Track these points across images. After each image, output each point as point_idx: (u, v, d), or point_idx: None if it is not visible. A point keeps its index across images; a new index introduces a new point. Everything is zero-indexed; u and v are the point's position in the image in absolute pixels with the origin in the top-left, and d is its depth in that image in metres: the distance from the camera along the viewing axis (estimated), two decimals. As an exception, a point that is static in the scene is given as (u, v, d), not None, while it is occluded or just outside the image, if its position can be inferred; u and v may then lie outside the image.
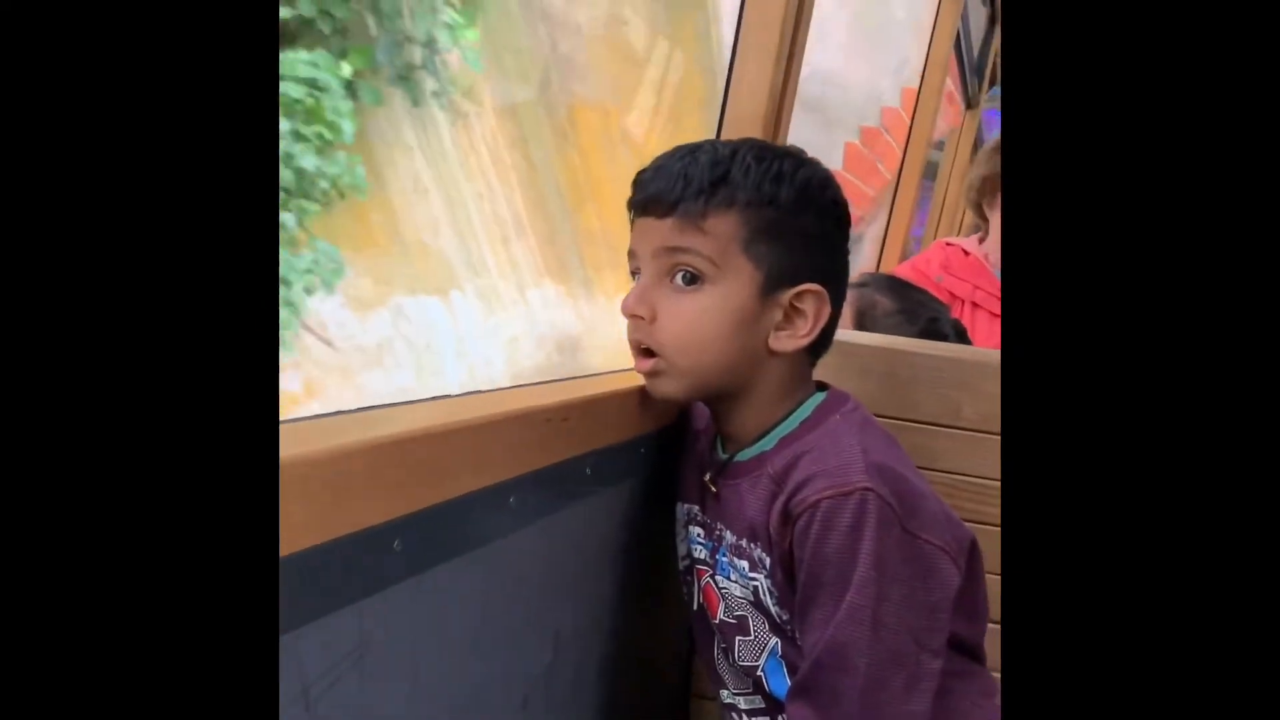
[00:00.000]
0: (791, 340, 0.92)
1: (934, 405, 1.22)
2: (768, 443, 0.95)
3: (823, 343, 0.96)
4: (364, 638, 0.59)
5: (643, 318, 0.91)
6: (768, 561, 0.92)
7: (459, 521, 0.69)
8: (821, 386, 1.00)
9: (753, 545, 0.93)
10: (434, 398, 0.75)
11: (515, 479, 0.76)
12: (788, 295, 0.90)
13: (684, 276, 0.90)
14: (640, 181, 0.93)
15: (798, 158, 0.92)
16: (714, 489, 0.99)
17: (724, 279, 0.89)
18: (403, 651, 0.65)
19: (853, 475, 0.84)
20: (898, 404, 1.23)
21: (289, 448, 0.53)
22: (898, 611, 0.83)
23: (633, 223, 0.95)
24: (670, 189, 0.88)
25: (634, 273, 0.95)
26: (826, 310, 0.92)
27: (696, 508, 1.04)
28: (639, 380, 1.02)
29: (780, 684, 0.96)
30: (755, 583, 0.94)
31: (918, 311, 1.57)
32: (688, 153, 0.90)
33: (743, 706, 1.02)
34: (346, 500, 0.57)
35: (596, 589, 1.01)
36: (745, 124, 1.24)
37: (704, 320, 0.89)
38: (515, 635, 0.83)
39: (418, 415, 0.67)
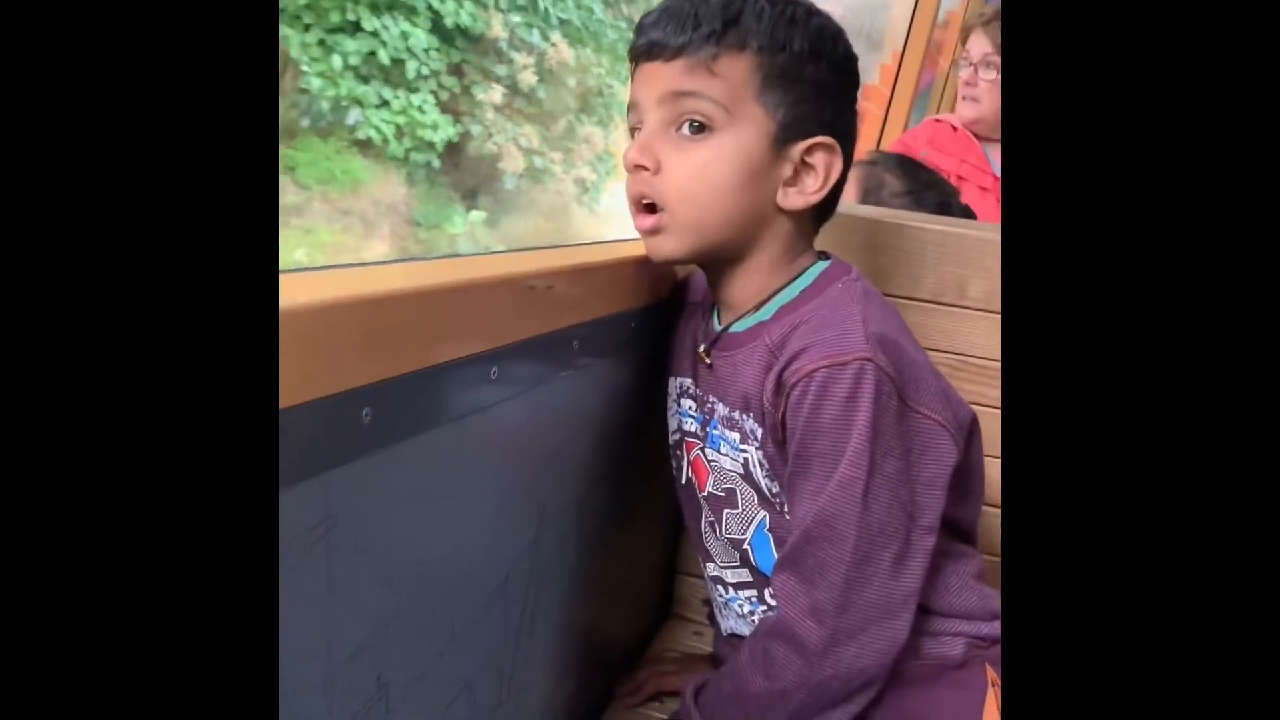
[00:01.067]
0: (801, 197, 0.87)
1: (938, 282, 1.18)
2: (765, 312, 0.91)
3: (829, 205, 0.91)
4: (329, 513, 0.56)
5: (646, 168, 0.86)
6: (759, 433, 0.89)
7: (435, 391, 0.65)
8: (823, 256, 0.95)
9: (745, 416, 0.91)
10: (404, 259, 0.70)
11: (497, 349, 0.72)
12: (799, 148, 0.86)
13: (691, 125, 0.84)
14: (644, 25, 0.86)
15: (808, 6, 0.86)
16: (708, 360, 0.96)
17: (734, 127, 0.84)
18: (372, 529, 0.61)
19: (851, 344, 0.81)
20: (901, 280, 1.18)
21: None
22: (891, 485, 0.81)
23: (634, 72, 0.89)
24: (679, 30, 0.82)
25: (634, 129, 0.89)
26: (838, 167, 0.87)
27: (689, 380, 1.01)
28: (630, 251, 0.97)
29: (767, 558, 0.94)
30: (745, 455, 0.92)
31: (925, 194, 1.52)
32: None
33: (729, 580, 1.01)
34: (309, 363, 0.52)
35: (583, 464, 0.97)
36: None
37: (712, 170, 0.84)
38: (496, 510, 0.80)
39: (391, 275, 0.62)
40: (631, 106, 0.89)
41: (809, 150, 0.86)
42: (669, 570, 1.35)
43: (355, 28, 6.59)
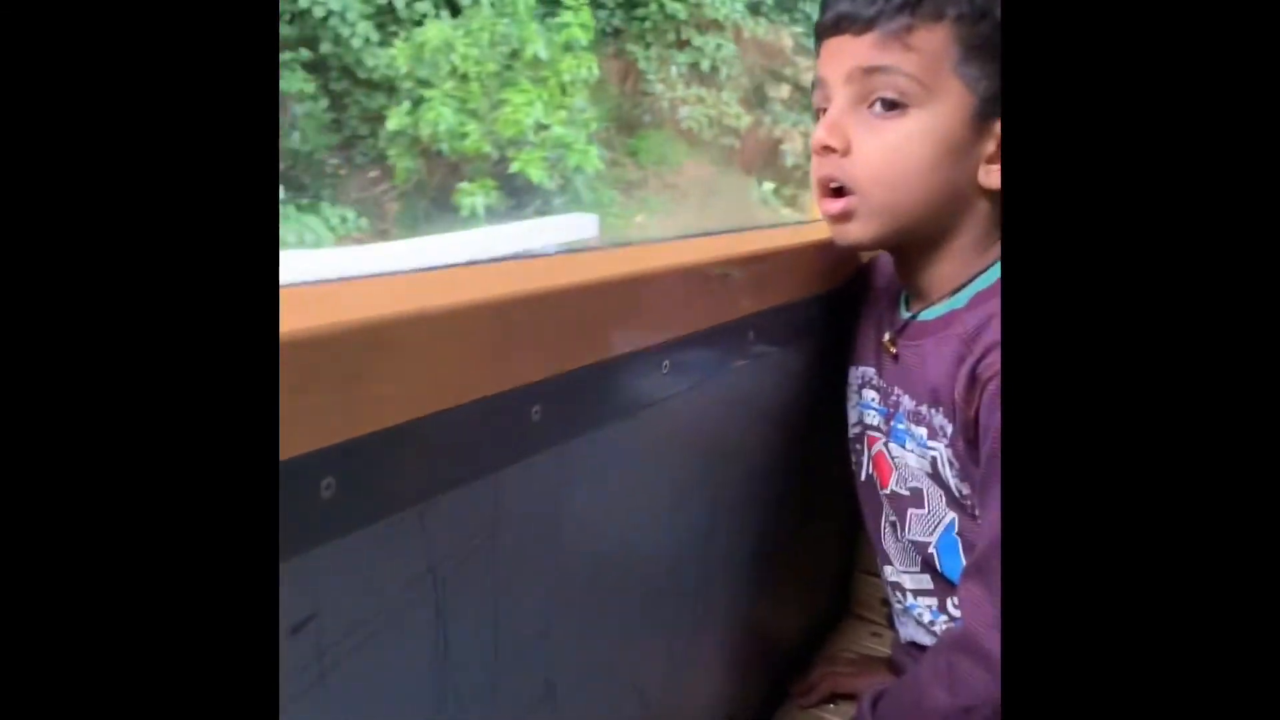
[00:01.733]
0: (999, 176, 0.80)
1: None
2: (960, 299, 0.84)
3: None
4: (498, 513, 0.54)
5: (835, 150, 0.80)
6: (949, 429, 0.83)
7: (605, 387, 0.63)
8: None
9: (934, 411, 0.85)
10: (575, 248, 0.68)
11: (670, 341, 0.69)
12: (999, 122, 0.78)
13: (883, 103, 0.78)
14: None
15: None
16: (893, 350, 0.90)
17: (931, 103, 0.77)
18: (541, 528, 0.60)
19: None
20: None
21: (412, 302, 0.47)
22: None
23: (819, 47, 0.83)
24: (869, 1, 0.77)
25: (819, 110, 0.84)
26: None
27: (872, 370, 0.95)
28: (809, 235, 0.93)
29: (953, 564, 0.88)
30: (934, 452, 0.86)
31: None
32: None
33: (908, 585, 0.96)
34: (481, 361, 0.51)
35: (758, 458, 0.94)
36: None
37: (908, 150, 0.78)
38: (668, 507, 0.78)
39: (561, 268, 0.60)
40: (817, 85, 0.83)
41: None
42: (847, 568, 1.30)
43: (684, 44, 9.16)
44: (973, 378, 0.78)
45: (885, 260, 1.01)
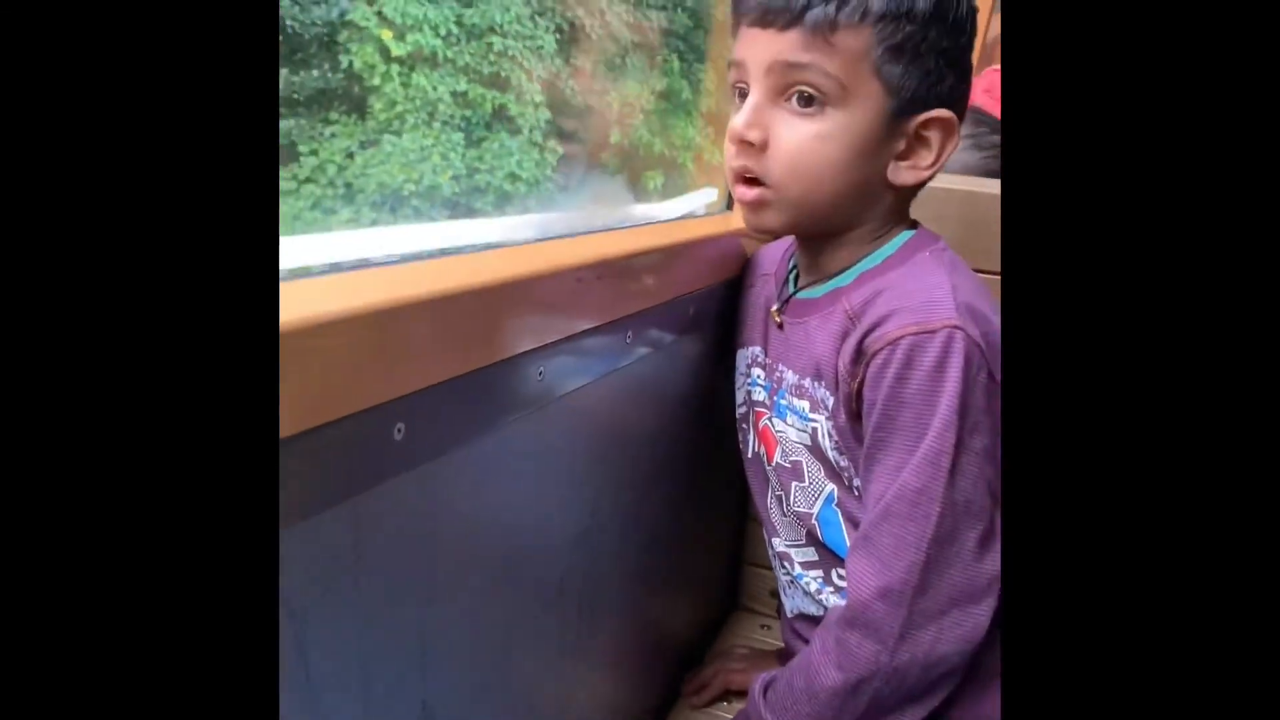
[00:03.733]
0: (913, 172, 0.82)
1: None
2: (845, 278, 0.86)
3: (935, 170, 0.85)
4: (360, 536, 0.51)
5: (753, 144, 0.80)
6: (830, 402, 0.84)
7: (476, 399, 0.60)
8: (910, 223, 0.89)
9: (816, 384, 0.86)
10: (438, 252, 0.65)
11: (541, 348, 0.67)
12: (915, 122, 0.79)
13: (801, 98, 0.78)
14: None
15: None
16: (779, 320, 0.92)
17: (849, 102, 0.77)
18: (410, 548, 0.57)
19: (940, 312, 0.75)
20: (977, 252, 1.11)
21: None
22: (978, 462, 0.75)
23: (737, 28, 0.82)
24: None
25: (737, 86, 0.83)
26: (955, 140, 0.81)
27: (759, 349, 0.96)
28: (684, 234, 0.92)
29: (834, 535, 0.89)
30: (814, 425, 0.87)
31: (983, 137, 1.45)
32: None
33: (796, 558, 0.96)
34: (334, 380, 0.48)
35: (642, 456, 0.93)
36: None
37: (824, 148, 0.78)
38: (549, 511, 0.76)
39: (424, 274, 0.57)
40: (734, 65, 0.83)
41: (925, 124, 0.80)
42: (736, 561, 1.30)
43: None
44: (858, 351, 0.79)
45: (771, 248, 1.01)
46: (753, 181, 0.82)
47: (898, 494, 0.76)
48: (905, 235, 0.86)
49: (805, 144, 0.79)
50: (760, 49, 0.79)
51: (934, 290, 0.78)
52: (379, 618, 0.54)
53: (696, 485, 1.08)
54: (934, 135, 0.80)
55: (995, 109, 1.94)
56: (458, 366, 0.57)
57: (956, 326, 0.74)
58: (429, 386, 0.55)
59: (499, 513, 0.67)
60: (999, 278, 1.10)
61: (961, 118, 0.82)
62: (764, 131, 0.79)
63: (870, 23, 0.75)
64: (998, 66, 2.15)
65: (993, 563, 0.76)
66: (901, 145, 0.80)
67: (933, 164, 0.81)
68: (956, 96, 0.81)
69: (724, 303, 1.02)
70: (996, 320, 0.79)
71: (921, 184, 0.84)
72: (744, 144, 0.81)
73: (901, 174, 0.81)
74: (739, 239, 1.03)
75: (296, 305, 0.46)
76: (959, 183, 1.14)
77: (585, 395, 0.76)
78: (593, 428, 0.81)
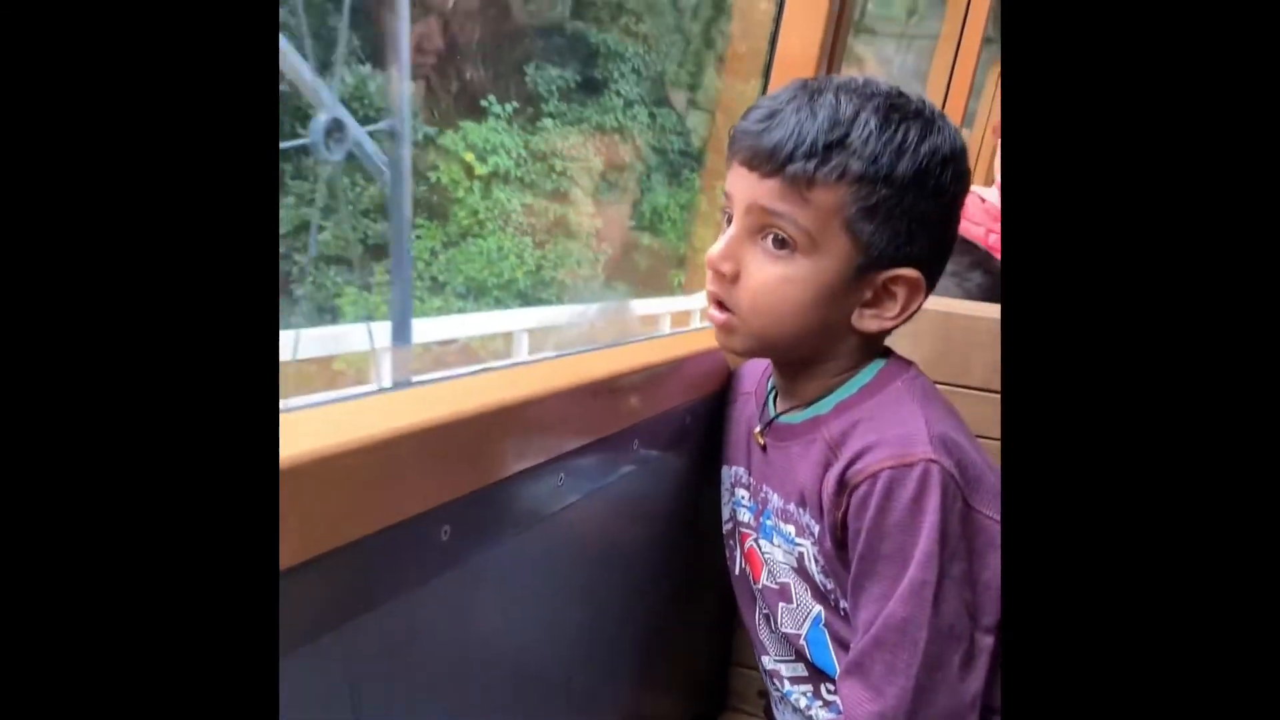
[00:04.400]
0: (877, 321, 0.85)
1: (988, 371, 1.18)
2: (824, 405, 0.90)
3: (908, 319, 0.88)
4: (415, 627, 0.56)
5: (725, 275, 0.85)
6: (816, 529, 0.88)
7: (509, 502, 0.66)
8: (885, 351, 0.94)
9: (801, 510, 0.89)
10: (477, 369, 0.71)
11: (564, 455, 0.73)
12: (882, 277, 0.83)
13: (775, 239, 0.82)
14: (746, 129, 0.83)
15: (928, 121, 0.82)
16: (761, 442, 0.95)
17: (817, 253, 0.81)
18: (453, 639, 0.62)
19: (916, 446, 0.80)
20: (949, 368, 1.19)
21: (331, 435, 0.49)
22: (957, 588, 0.80)
23: (730, 163, 0.86)
24: (780, 147, 0.79)
25: (725, 212, 0.87)
26: (920, 298, 0.84)
27: (743, 469, 1.00)
28: (688, 346, 0.99)
29: (822, 654, 0.93)
30: (801, 549, 0.90)
31: (968, 275, 1.52)
32: (805, 103, 0.81)
33: (785, 674, 1.00)
34: (391, 488, 0.53)
35: (641, 559, 0.98)
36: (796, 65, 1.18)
37: (788, 290, 0.83)
38: (558, 612, 0.81)
39: (466, 392, 0.63)
40: (726, 195, 0.87)
41: (893, 279, 0.83)
42: (724, 663, 1.34)
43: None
44: (841, 483, 0.83)
45: (752, 366, 1.07)
46: (723, 306, 0.87)
47: (885, 622, 0.80)
48: (878, 364, 0.90)
49: (772, 283, 0.82)
50: (744, 188, 0.83)
51: (909, 423, 0.82)
52: (424, 702, 0.59)
53: (687, 590, 1.12)
54: (900, 290, 0.83)
55: (969, 230, 2.01)
56: (495, 474, 0.63)
57: (933, 460, 0.78)
58: (471, 492, 0.60)
59: (521, 608, 0.72)
60: (974, 392, 1.18)
61: (934, 272, 0.85)
62: (736, 265, 0.84)
63: (847, 182, 0.78)
64: (971, 187, 2.21)
65: (975, 681, 0.80)
66: (868, 295, 0.84)
67: (897, 316, 0.84)
68: (928, 257, 0.84)
69: (710, 417, 1.07)
70: (967, 445, 0.84)
71: (886, 332, 0.88)
72: (718, 273, 0.85)
73: (866, 321, 0.85)
74: (722, 354, 1.09)
75: (358, 424, 0.52)
76: (933, 303, 1.22)
77: (598, 499, 0.81)
78: (601, 531, 0.86)
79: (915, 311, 0.86)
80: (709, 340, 1.08)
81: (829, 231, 0.80)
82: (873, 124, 0.79)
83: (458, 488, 0.59)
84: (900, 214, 0.80)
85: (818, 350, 0.89)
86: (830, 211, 0.80)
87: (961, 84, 3.23)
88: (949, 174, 0.82)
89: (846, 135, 0.79)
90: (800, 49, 1.17)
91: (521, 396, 0.66)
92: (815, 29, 1.15)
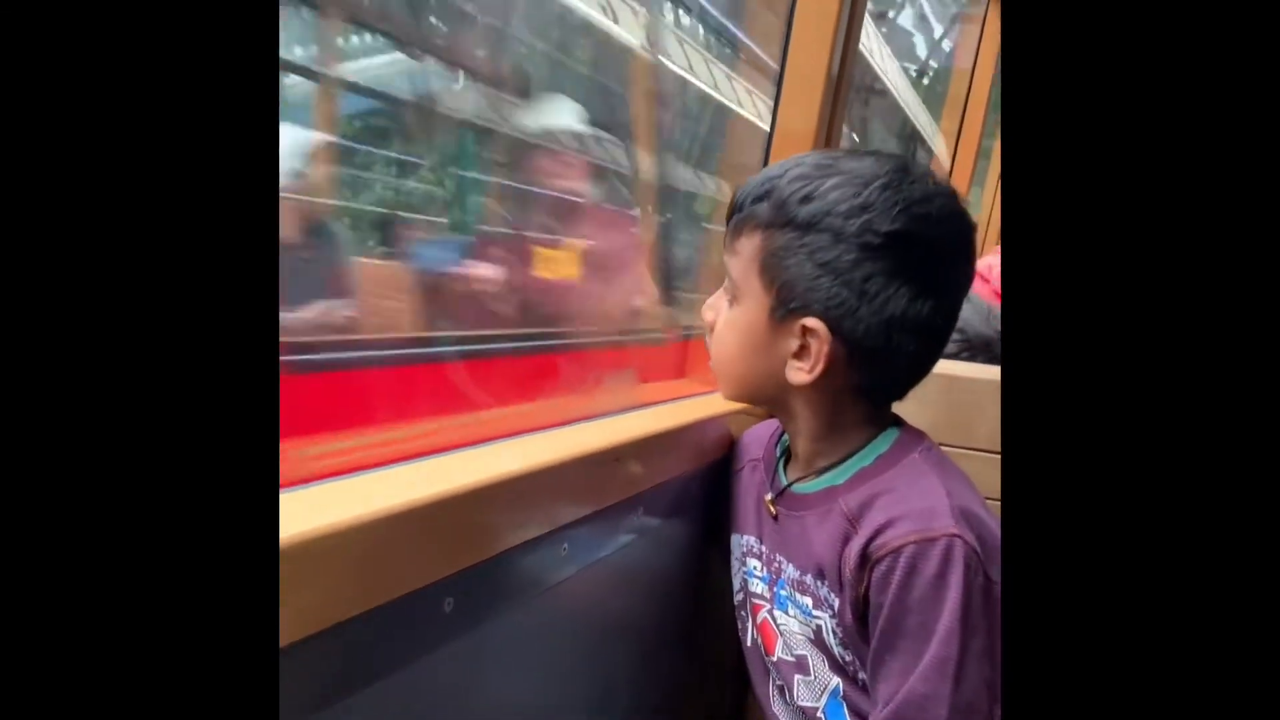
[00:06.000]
0: (798, 374, 0.85)
1: (992, 432, 1.18)
2: (838, 476, 0.90)
3: (888, 382, 0.89)
4: (417, 698, 0.57)
5: (707, 323, 0.93)
6: (836, 602, 0.87)
7: (512, 573, 0.67)
8: (895, 420, 0.95)
9: (819, 582, 0.89)
10: (482, 442, 0.73)
11: (568, 525, 0.74)
12: (797, 325, 0.84)
13: (727, 290, 0.90)
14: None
15: (852, 178, 0.82)
16: (774, 511, 0.95)
17: (743, 299, 0.88)
18: (457, 710, 0.62)
19: (939, 520, 0.80)
20: (954, 430, 1.19)
21: (332, 513, 0.51)
22: (978, 663, 0.79)
23: None
24: (733, 201, 0.88)
25: None
26: (828, 350, 0.83)
27: (754, 538, 0.99)
28: (691, 415, 1.00)
29: None
30: (819, 621, 0.90)
31: (977, 355, 1.53)
32: (777, 168, 0.87)
33: None
34: (394, 563, 0.54)
35: (647, 629, 0.98)
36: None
37: (727, 336, 0.90)
38: (565, 681, 0.81)
39: (466, 466, 0.65)
40: None
41: (806, 330, 0.84)
42: (735, 729, 1.33)
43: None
44: (863, 556, 0.82)
45: (758, 431, 1.07)
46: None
47: (906, 698, 0.79)
48: (892, 434, 0.91)
49: (720, 330, 0.90)
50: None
51: (930, 497, 0.82)
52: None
53: (696, 661, 1.12)
54: (811, 342, 0.83)
55: (992, 294, 2.01)
56: (498, 545, 0.64)
57: (956, 535, 0.78)
58: (475, 564, 0.61)
59: (525, 678, 0.73)
60: (979, 454, 1.18)
61: (853, 326, 0.82)
62: (715, 314, 0.91)
63: (759, 230, 0.85)
64: (999, 248, 2.19)
65: None
66: (794, 346, 0.85)
67: (812, 368, 0.84)
68: (836, 306, 0.82)
69: (716, 484, 1.07)
70: (985, 515, 0.84)
71: (810, 386, 0.86)
72: (705, 322, 0.93)
73: (794, 373, 0.86)
74: (726, 421, 1.10)
75: (359, 502, 0.53)
76: (939, 366, 1.23)
77: (604, 568, 0.82)
78: (607, 600, 0.87)
79: (837, 366, 0.84)
80: (713, 407, 1.10)
81: (749, 277, 0.87)
82: (792, 174, 0.84)
83: (460, 560, 0.60)
84: (805, 258, 0.83)
85: (778, 402, 0.92)
86: (748, 259, 0.86)
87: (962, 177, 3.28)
88: (853, 225, 0.81)
89: (772, 188, 0.85)
90: (800, 123, 1.20)
91: (523, 469, 0.67)
92: (813, 103, 1.18)
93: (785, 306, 0.84)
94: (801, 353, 0.85)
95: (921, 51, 6.85)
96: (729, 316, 0.89)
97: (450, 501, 0.59)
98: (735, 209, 0.87)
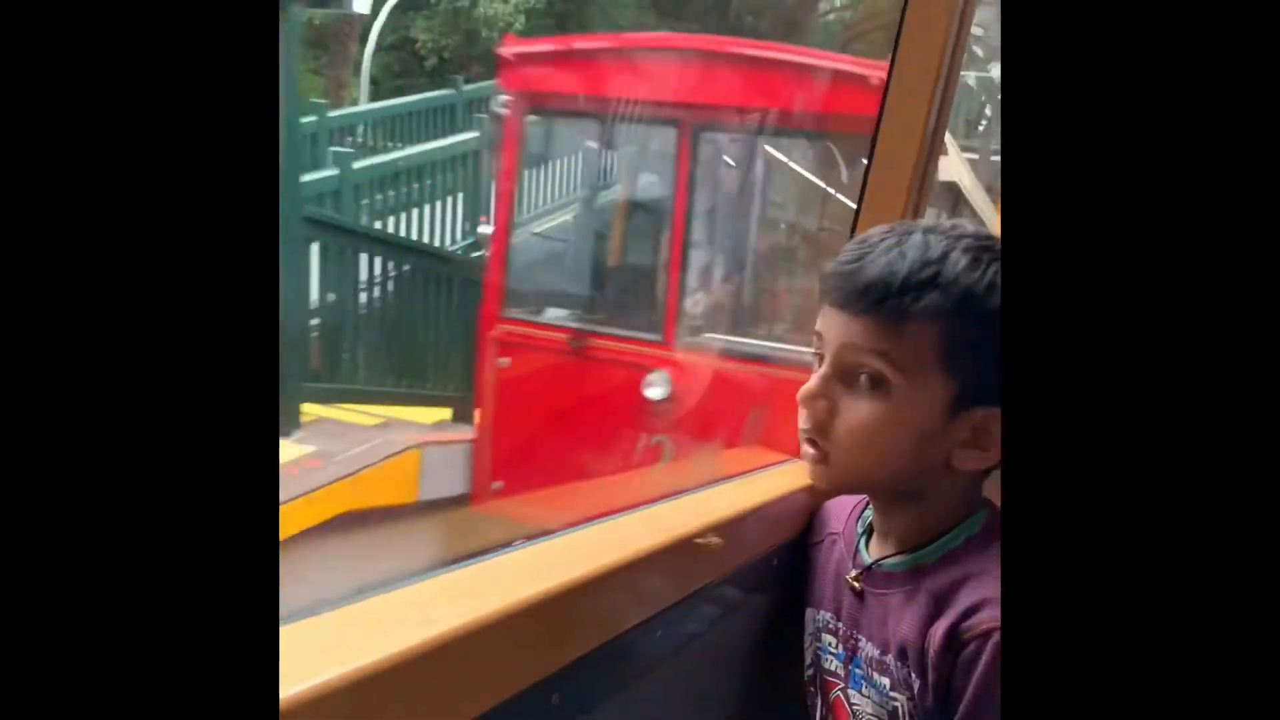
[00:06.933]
0: (977, 461, 0.84)
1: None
2: (928, 555, 0.87)
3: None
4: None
5: (818, 413, 0.85)
6: (916, 685, 0.85)
7: (613, 662, 0.66)
8: (984, 501, 0.91)
9: (899, 664, 0.86)
10: (580, 525, 0.72)
11: (663, 610, 0.73)
12: (979, 414, 0.81)
13: (869, 379, 0.82)
14: (838, 271, 0.84)
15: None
16: (857, 587, 0.92)
17: (912, 390, 0.81)
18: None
19: None
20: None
21: (443, 620, 0.50)
22: None
23: (821, 303, 0.87)
24: (872, 286, 0.80)
25: (817, 353, 0.87)
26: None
27: (831, 614, 0.97)
28: (776, 489, 0.98)
29: None
30: (896, 703, 0.87)
31: None
32: (894, 244, 0.82)
33: None
34: (502, 665, 0.54)
35: (729, 708, 0.96)
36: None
37: (884, 430, 0.82)
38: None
39: (572, 555, 0.64)
40: (817, 335, 0.88)
41: (988, 417, 0.81)
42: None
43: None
44: (950, 638, 0.81)
45: (837, 506, 1.05)
46: (816, 444, 0.86)
47: None
48: (982, 514, 0.88)
49: (867, 423, 0.82)
50: (836, 329, 0.84)
51: None
52: None
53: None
54: (997, 429, 0.81)
55: None
56: (603, 634, 0.63)
57: None
58: (578, 658, 0.60)
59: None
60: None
61: None
62: (831, 403, 0.84)
63: (940, 319, 0.79)
64: None
65: None
66: (966, 432, 0.82)
67: (994, 456, 0.82)
68: None
69: (795, 559, 1.05)
70: None
71: (989, 470, 0.86)
72: (812, 412, 0.85)
73: (966, 461, 0.83)
74: (806, 494, 1.07)
75: (468, 603, 0.53)
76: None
77: (693, 650, 0.81)
78: (694, 682, 0.85)
79: None
80: (793, 481, 1.08)
81: (923, 367, 0.80)
82: (963, 262, 0.80)
83: (566, 655, 0.59)
84: (994, 351, 0.79)
85: (913, 492, 0.88)
86: (924, 347, 0.80)
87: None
88: None
89: (938, 273, 0.80)
90: (887, 196, 1.18)
91: (625, 558, 0.66)
92: (904, 173, 1.16)
93: (973, 397, 0.81)
94: (975, 439, 0.82)
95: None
96: (886, 411, 0.81)
97: (560, 597, 0.58)
98: (882, 294, 0.79)
